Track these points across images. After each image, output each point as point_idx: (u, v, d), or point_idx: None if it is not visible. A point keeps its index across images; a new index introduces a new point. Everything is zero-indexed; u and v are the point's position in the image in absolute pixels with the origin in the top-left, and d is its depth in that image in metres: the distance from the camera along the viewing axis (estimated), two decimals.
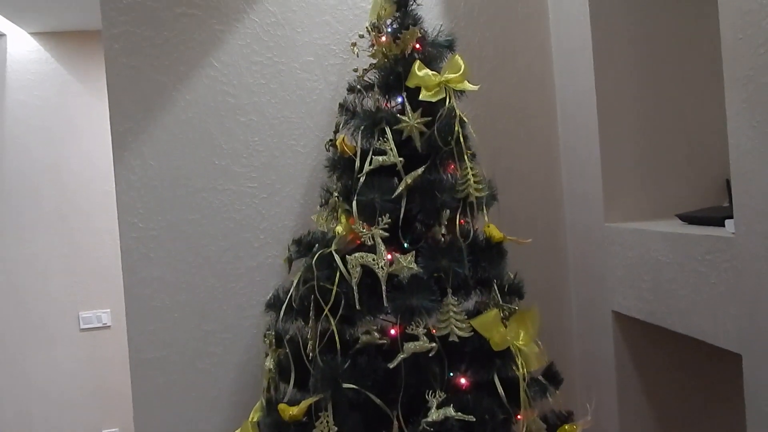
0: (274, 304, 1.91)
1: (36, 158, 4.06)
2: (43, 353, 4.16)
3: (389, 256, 1.69)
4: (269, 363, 1.85)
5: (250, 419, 1.98)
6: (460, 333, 1.67)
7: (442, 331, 1.68)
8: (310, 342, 1.72)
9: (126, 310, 2.29)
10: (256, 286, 2.33)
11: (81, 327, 4.23)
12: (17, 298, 4.09)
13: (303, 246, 1.95)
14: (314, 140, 2.33)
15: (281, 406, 1.76)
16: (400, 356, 1.66)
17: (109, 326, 4.27)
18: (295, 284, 1.83)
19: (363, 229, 1.70)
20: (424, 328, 1.66)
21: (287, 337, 1.86)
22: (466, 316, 1.69)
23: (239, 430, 1.99)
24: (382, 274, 1.67)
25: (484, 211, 1.78)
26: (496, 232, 1.79)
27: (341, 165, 1.88)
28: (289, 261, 2.00)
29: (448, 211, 1.74)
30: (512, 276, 1.92)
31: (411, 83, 1.80)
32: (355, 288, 1.68)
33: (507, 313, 1.76)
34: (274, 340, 1.85)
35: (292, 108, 2.31)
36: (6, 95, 3.97)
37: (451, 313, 1.68)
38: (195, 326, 2.29)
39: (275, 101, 2.29)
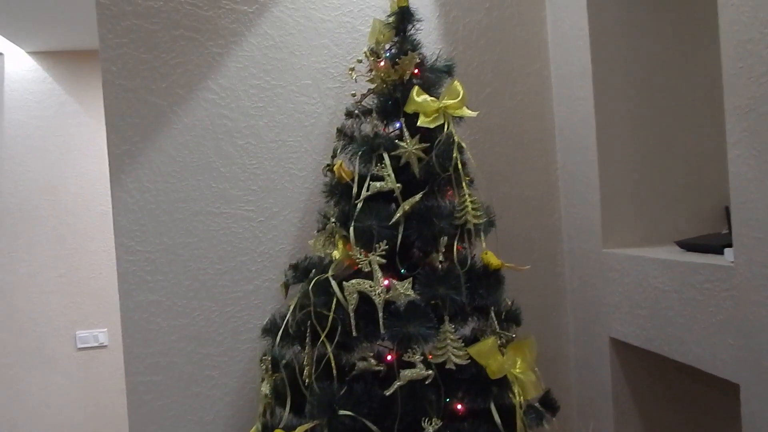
0: (270, 329, 1.91)
1: (33, 178, 4.08)
2: (39, 373, 4.16)
3: (386, 283, 1.68)
4: (265, 388, 1.85)
5: None
6: (457, 360, 1.67)
7: (439, 358, 1.68)
8: (306, 368, 1.72)
9: (122, 334, 2.29)
10: (252, 310, 2.33)
11: (78, 346, 4.23)
12: (13, 317, 4.10)
13: (300, 271, 1.95)
14: (312, 164, 2.34)
15: None
16: (397, 383, 1.65)
17: (105, 346, 4.28)
18: (291, 309, 1.83)
19: (360, 255, 1.70)
20: (421, 355, 1.66)
21: (283, 362, 1.86)
22: (463, 344, 1.69)
23: None
24: (378, 301, 1.67)
25: (482, 237, 1.78)
26: (494, 260, 1.79)
27: (339, 190, 1.88)
28: (286, 286, 2.00)
29: (445, 237, 1.74)
30: (510, 303, 1.92)
31: (409, 109, 1.81)
32: (351, 315, 1.68)
33: (504, 341, 1.76)
34: (270, 366, 1.85)
35: (290, 131, 2.32)
36: (4, 115, 3.99)
37: (449, 341, 1.67)
38: (192, 350, 2.29)
39: (273, 124, 2.30)
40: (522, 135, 2.51)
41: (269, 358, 1.86)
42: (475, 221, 1.75)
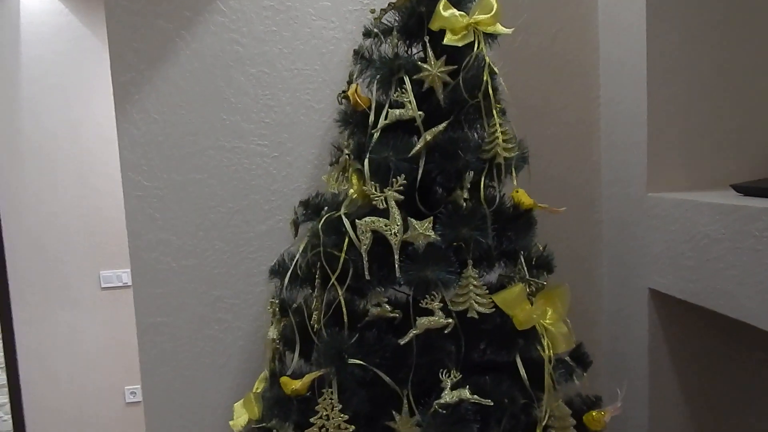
0: (278, 271, 1.74)
1: (54, 117, 3.93)
2: (66, 313, 4.09)
3: (403, 222, 1.49)
4: (273, 333, 1.69)
5: (253, 390, 1.82)
6: (481, 309, 1.48)
7: (460, 306, 1.49)
8: (315, 313, 1.55)
9: (132, 273, 2.15)
10: (266, 252, 2.16)
11: (102, 286, 4.14)
12: (40, 258, 4.01)
13: (310, 208, 1.77)
14: (330, 95, 2.13)
15: (283, 380, 1.60)
16: (412, 332, 1.47)
17: (129, 285, 4.16)
18: (301, 250, 1.65)
19: (375, 191, 1.51)
20: (440, 302, 1.47)
21: (293, 306, 1.69)
22: (487, 291, 1.50)
23: (242, 401, 1.83)
24: (394, 242, 1.48)
25: (513, 174, 1.57)
26: (525, 199, 1.58)
27: (354, 119, 1.68)
28: (295, 224, 1.82)
29: (471, 173, 1.53)
30: (541, 248, 1.72)
31: (435, 26, 1.58)
32: (364, 256, 1.49)
33: (533, 289, 1.56)
34: (278, 309, 1.68)
35: (306, 59, 2.10)
36: (21, 50, 3.83)
37: (471, 287, 1.48)
38: (203, 292, 2.14)
39: (287, 51, 2.09)
40: (561, 67, 2.26)
41: (277, 302, 1.70)
42: (506, 155, 1.54)
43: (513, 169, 1.58)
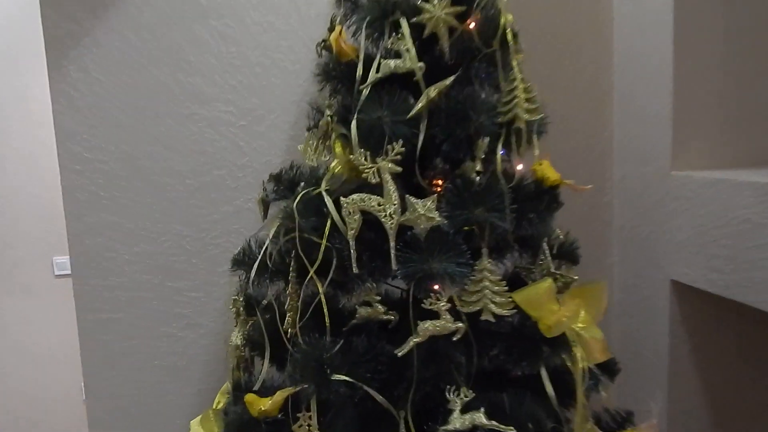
0: (243, 261, 1.39)
1: (1, 89, 3.51)
2: (16, 301, 3.68)
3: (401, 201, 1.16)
4: (237, 338, 1.35)
5: (214, 405, 1.48)
6: (498, 310, 1.15)
7: (472, 306, 1.16)
8: (289, 314, 1.21)
9: (71, 262, 1.82)
10: (233, 237, 1.84)
11: (56, 273, 3.73)
12: None
13: (283, 184, 1.43)
14: (307, 55, 1.78)
15: (249, 398, 1.26)
16: (413, 340, 1.15)
17: None
18: (271, 235, 1.32)
19: (365, 161, 1.17)
20: (448, 302, 1.14)
21: (263, 302, 1.35)
22: (506, 287, 1.17)
23: (200, 418, 1.49)
24: (390, 225, 1.15)
25: (535, 142, 1.24)
26: (551, 173, 1.26)
27: (337, 73, 1.33)
28: (264, 204, 1.47)
29: (485, 140, 1.20)
30: (560, 234, 1.40)
31: None
32: (351, 243, 1.16)
33: (560, 285, 1.24)
34: (243, 308, 1.34)
35: (279, 12, 1.75)
36: None
37: (487, 282, 1.15)
38: (159, 283, 1.83)
39: (257, 2, 1.74)
40: (568, 26, 1.92)
41: (241, 299, 1.36)
42: (529, 117, 1.21)
43: (535, 136, 1.25)
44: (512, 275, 1.31)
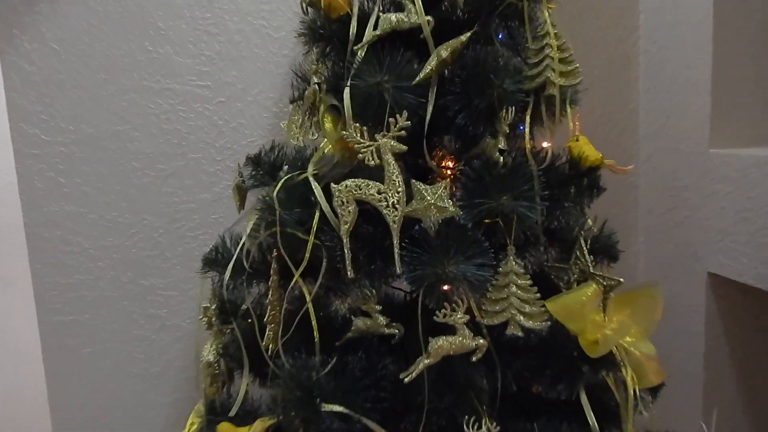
0: (216, 260, 1.15)
1: None
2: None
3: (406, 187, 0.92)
4: (209, 352, 1.11)
5: (187, 429, 1.25)
6: (529, 323, 0.91)
7: (496, 318, 0.92)
8: (269, 328, 0.97)
9: (29, 258, 1.59)
10: (211, 228, 1.62)
11: None
12: None
13: (263, 167, 1.17)
14: (293, 20, 1.54)
15: (223, 428, 1.02)
16: (423, 362, 0.90)
17: None
18: (249, 230, 1.07)
19: (361, 138, 0.93)
20: (465, 312, 0.90)
21: (239, 311, 1.10)
22: (538, 295, 0.93)
23: None
24: (393, 218, 0.91)
25: (569, 111, 1.00)
26: (591, 151, 1.01)
27: (326, 32, 1.06)
28: (240, 191, 1.22)
29: (511, 110, 0.95)
30: (592, 225, 1.16)
31: None
32: (345, 241, 0.92)
33: (605, 287, 0.99)
34: (215, 318, 1.10)
35: None
36: None
37: (514, 288, 0.91)
38: (128, 281, 1.61)
39: None
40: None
41: (214, 307, 1.11)
42: (563, 82, 0.96)
43: (568, 105, 1.00)
44: (538, 275, 1.06)
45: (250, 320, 1.06)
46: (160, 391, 1.66)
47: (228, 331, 1.12)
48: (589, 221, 1.14)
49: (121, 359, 1.63)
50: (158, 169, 1.57)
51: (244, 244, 1.07)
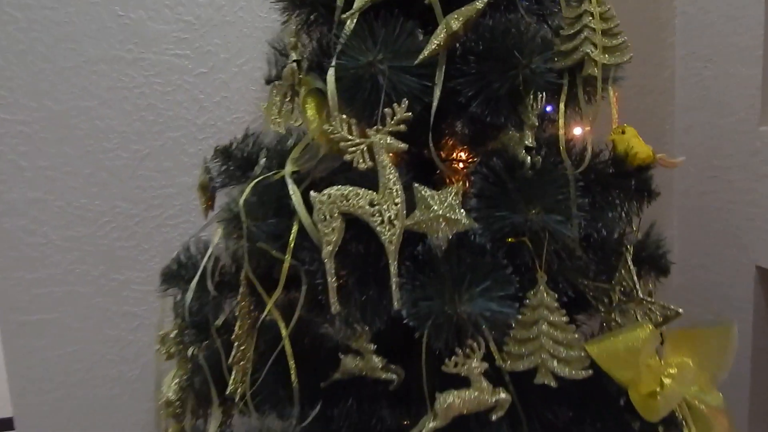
0: (175, 275, 0.94)
1: None
2: None
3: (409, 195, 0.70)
4: (169, 388, 0.91)
5: None
6: (564, 370, 0.70)
7: (522, 362, 0.71)
8: (235, 370, 0.77)
9: None
10: (193, 215, 1.42)
11: None
12: None
13: (235, 161, 0.95)
14: None
15: None
16: (429, 425, 0.70)
17: None
18: (216, 241, 0.86)
19: (349, 132, 0.71)
20: (483, 354, 0.69)
21: (205, 340, 0.90)
22: (576, 332, 0.71)
23: None
24: (389, 237, 0.69)
25: (612, 98, 0.77)
26: (640, 146, 0.79)
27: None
28: (206, 191, 1.00)
29: (540, 97, 0.72)
30: (635, 229, 0.93)
31: None
32: (328, 265, 0.71)
33: (658, 319, 0.77)
34: (176, 348, 0.90)
35: None
36: None
37: (545, 327, 0.70)
38: (100, 275, 1.42)
39: None
40: None
41: (173, 334, 0.91)
42: (607, 60, 0.74)
43: (611, 88, 0.78)
44: (573, 296, 0.84)
45: (204, 366, 0.86)
46: (138, 396, 1.48)
47: (192, 361, 0.92)
48: (632, 227, 0.92)
49: (93, 362, 1.45)
50: (132, 150, 1.38)
51: (211, 255, 0.86)
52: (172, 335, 0.90)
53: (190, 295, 0.85)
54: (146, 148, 1.37)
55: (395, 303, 0.69)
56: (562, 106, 0.73)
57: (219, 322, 0.84)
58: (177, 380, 0.91)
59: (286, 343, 0.74)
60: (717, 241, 1.45)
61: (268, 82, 0.92)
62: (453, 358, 0.69)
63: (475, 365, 0.69)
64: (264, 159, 0.88)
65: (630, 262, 0.79)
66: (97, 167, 1.37)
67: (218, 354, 0.85)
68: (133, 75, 1.34)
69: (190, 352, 0.90)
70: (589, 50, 0.74)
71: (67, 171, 1.37)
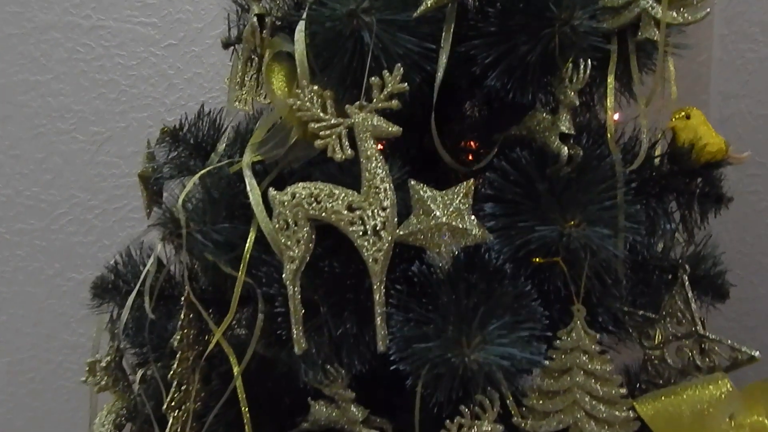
0: (108, 287, 0.76)
1: None
2: None
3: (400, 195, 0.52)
4: (101, 424, 0.73)
5: None
6: None
7: (549, 422, 0.53)
8: (173, 417, 0.58)
9: None
10: None
11: None
12: None
13: (184, 145, 0.75)
14: None
15: None
16: None
17: None
18: (158, 248, 0.68)
19: (322, 107, 0.52)
20: (498, 420, 0.51)
21: (144, 371, 0.72)
22: (622, 386, 0.53)
23: None
24: (373, 253, 0.51)
25: (671, 70, 0.58)
26: (710, 136, 0.61)
27: None
28: (147, 183, 0.80)
29: (584, 64, 0.53)
30: (682, 240, 0.74)
31: None
32: (291, 291, 0.52)
33: (721, 365, 0.59)
34: (107, 379, 0.72)
35: None
36: None
37: (581, 377, 0.51)
38: (55, 274, 1.30)
39: None
40: None
41: (106, 360, 0.73)
42: (672, 19, 0.55)
43: (670, 59, 0.59)
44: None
45: (144, 398, 0.67)
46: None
47: (124, 393, 0.74)
48: (679, 236, 0.73)
49: (48, 371, 1.33)
50: (91, 132, 1.26)
51: (152, 263, 0.67)
52: (103, 363, 0.72)
53: (125, 313, 0.66)
54: (107, 130, 1.25)
55: (379, 344, 0.50)
56: (611, 79, 0.54)
57: (175, 343, 0.66)
58: (112, 417, 0.73)
59: (238, 384, 0.56)
60: (758, 246, 1.27)
61: (226, 45, 0.73)
62: (457, 419, 0.50)
63: (486, 429, 0.50)
64: (223, 145, 0.70)
65: (687, 287, 0.60)
66: (50, 151, 1.25)
67: (157, 395, 0.66)
68: (91, 45, 1.23)
69: (127, 381, 0.72)
70: (648, 5, 0.55)
71: (15, 155, 1.23)
